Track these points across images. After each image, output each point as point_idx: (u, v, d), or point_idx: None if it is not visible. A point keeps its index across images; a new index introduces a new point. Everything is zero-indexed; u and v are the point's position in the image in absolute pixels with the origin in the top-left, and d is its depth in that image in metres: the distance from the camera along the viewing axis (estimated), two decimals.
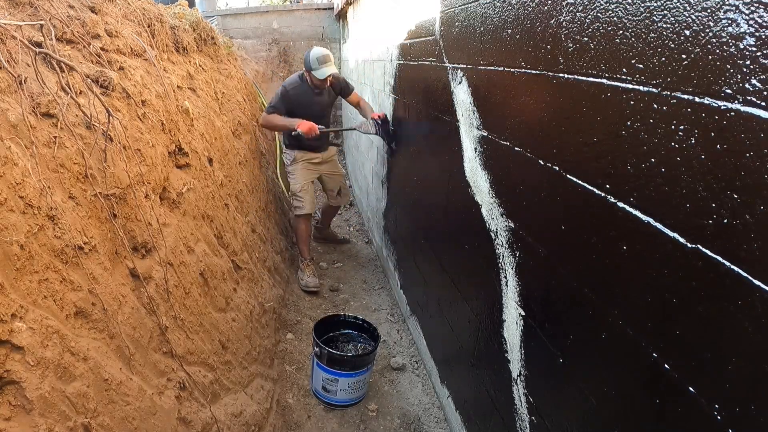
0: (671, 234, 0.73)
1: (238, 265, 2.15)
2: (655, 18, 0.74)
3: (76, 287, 0.98)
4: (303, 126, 2.83)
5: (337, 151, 3.44)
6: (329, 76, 2.77)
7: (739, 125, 0.61)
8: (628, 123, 0.81)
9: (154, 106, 1.58)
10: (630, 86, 0.80)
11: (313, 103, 2.92)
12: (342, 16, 5.60)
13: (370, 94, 3.68)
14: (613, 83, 0.85)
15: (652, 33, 0.75)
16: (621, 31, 0.82)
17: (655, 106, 0.75)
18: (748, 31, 0.59)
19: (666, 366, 0.75)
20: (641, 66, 0.77)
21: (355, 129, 3.01)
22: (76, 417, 0.88)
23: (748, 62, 0.59)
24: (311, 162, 3.21)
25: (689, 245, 0.70)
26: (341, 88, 3.10)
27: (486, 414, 1.59)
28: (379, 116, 2.86)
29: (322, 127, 2.92)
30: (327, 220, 3.83)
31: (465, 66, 1.58)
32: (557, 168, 1.05)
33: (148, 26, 1.85)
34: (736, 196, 0.62)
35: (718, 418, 0.65)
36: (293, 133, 2.93)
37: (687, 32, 0.68)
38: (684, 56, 0.69)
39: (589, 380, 0.98)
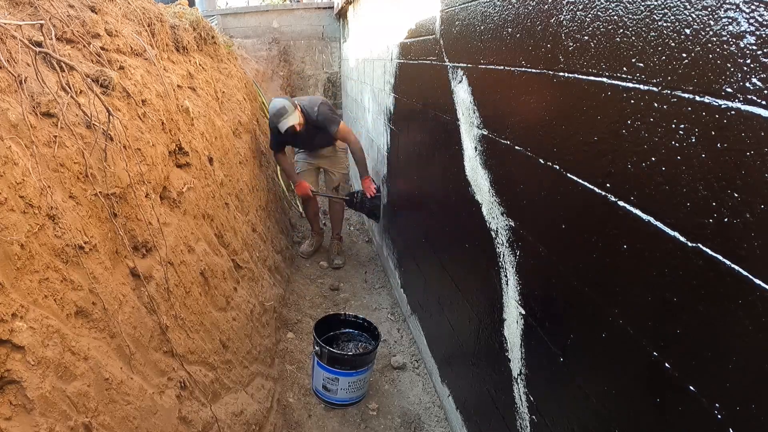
0: (672, 233, 0.73)
1: (238, 265, 2.15)
2: (655, 17, 0.74)
3: (76, 287, 0.98)
4: (299, 189, 3.46)
5: (335, 150, 3.57)
6: (290, 126, 3.05)
7: (739, 124, 0.61)
8: (629, 122, 0.81)
9: (154, 105, 1.58)
10: (630, 85, 0.80)
11: (296, 137, 3.22)
12: (342, 15, 5.59)
13: (370, 93, 3.68)
14: (613, 82, 0.85)
15: (652, 32, 0.75)
16: (621, 30, 0.82)
17: (656, 105, 0.75)
18: (748, 29, 0.59)
19: (666, 365, 0.75)
20: (641, 65, 0.77)
21: (345, 199, 3.49)
22: (76, 416, 0.88)
23: (748, 61, 0.59)
24: (305, 161, 3.65)
25: (690, 244, 0.69)
26: (319, 124, 3.22)
27: (486, 413, 1.59)
28: (369, 195, 3.27)
29: (316, 191, 3.51)
30: (335, 226, 3.70)
31: (465, 65, 1.58)
32: (557, 167, 1.05)
33: (148, 25, 1.85)
34: (736, 195, 0.62)
35: (719, 417, 0.66)
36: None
37: (687, 31, 0.68)
38: (684, 55, 0.69)
39: (590, 379, 0.98)
